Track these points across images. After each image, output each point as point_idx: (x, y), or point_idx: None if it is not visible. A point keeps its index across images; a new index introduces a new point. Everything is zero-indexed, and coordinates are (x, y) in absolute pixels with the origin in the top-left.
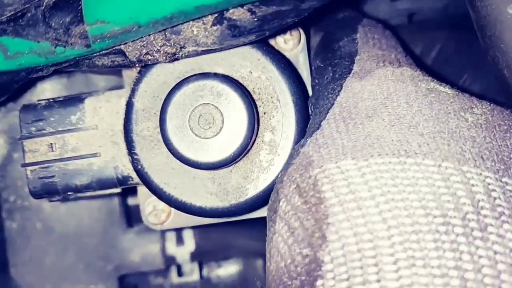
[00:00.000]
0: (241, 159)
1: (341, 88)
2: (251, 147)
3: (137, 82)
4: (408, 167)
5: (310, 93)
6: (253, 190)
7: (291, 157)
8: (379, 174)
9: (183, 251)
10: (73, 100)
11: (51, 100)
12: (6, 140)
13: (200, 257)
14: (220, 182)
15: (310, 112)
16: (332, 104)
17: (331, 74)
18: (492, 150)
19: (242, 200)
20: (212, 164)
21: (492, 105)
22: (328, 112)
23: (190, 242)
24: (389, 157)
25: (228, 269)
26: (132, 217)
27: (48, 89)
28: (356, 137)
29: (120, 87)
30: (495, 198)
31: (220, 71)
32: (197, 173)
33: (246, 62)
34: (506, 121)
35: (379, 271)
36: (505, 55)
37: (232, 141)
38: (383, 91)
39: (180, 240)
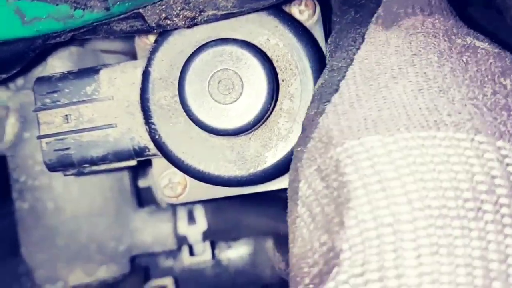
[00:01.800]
0: (260, 126)
1: (363, 40)
2: (270, 114)
3: (154, 51)
4: (438, 142)
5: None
6: (272, 158)
7: (309, 125)
8: (407, 152)
9: (195, 230)
10: (88, 72)
11: (66, 72)
12: (18, 119)
13: (212, 236)
14: (238, 150)
15: (327, 57)
16: (352, 60)
17: (351, 16)
18: None
19: (261, 168)
20: (231, 130)
21: None
22: (347, 70)
23: (201, 221)
24: (417, 130)
25: (239, 250)
26: (143, 198)
27: (58, 67)
28: (380, 104)
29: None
30: None
31: (238, 37)
32: (216, 141)
33: (264, 30)
34: None
35: (397, 257)
36: None
37: (252, 108)
38: (412, 46)
39: (191, 219)
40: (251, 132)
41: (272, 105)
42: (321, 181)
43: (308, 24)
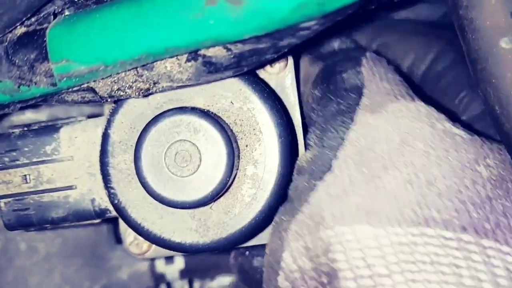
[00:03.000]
0: (221, 195)
1: (352, 121)
2: (232, 181)
3: (113, 113)
4: (428, 241)
5: (297, 118)
6: (235, 225)
7: (297, 198)
8: (398, 248)
9: (173, 269)
10: (48, 130)
11: (25, 129)
12: None
13: (190, 274)
14: (200, 217)
15: (310, 143)
16: (343, 139)
17: (335, 105)
18: (509, 216)
19: (224, 235)
20: (189, 203)
21: (502, 153)
22: (339, 149)
23: (179, 260)
24: (408, 226)
25: (221, 281)
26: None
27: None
28: (372, 193)
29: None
30: None
31: (200, 101)
32: (176, 209)
33: (227, 93)
34: None
35: None
36: (497, 90)
37: (210, 180)
38: (400, 131)
39: (169, 258)
40: (212, 202)
41: (233, 175)
42: (309, 261)
43: (279, 76)
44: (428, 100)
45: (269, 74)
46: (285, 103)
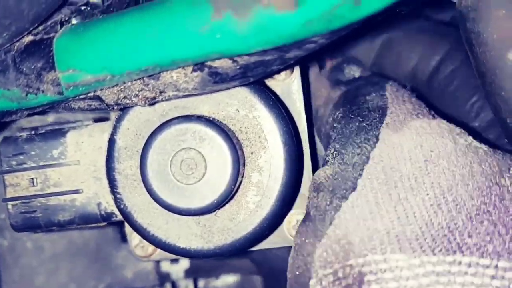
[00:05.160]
0: (226, 202)
1: (377, 140)
2: (237, 188)
3: (119, 119)
4: (464, 270)
5: (303, 125)
6: (240, 232)
7: (320, 218)
8: (435, 279)
9: (178, 268)
10: (55, 134)
11: (32, 133)
12: None
13: (194, 274)
14: (205, 223)
15: (329, 159)
16: (368, 157)
17: (357, 124)
18: None
19: (228, 242)
20: (194, 211)
21: None
22: (363, 168)
23: (184, 260)
24: (442, 254)
25: (226, 280)
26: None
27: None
28: (402, 218)
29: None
30: None
31: (206, 108)
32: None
33: (233, 100)
34: None
35: None
36: (507, 103)
37: (215, 188)
38: (424, 149)
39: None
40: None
41: (238, 182)
42: None
43: (286, 83)
44: (437, 104)
45: (275, 80)
46: (291, 110)
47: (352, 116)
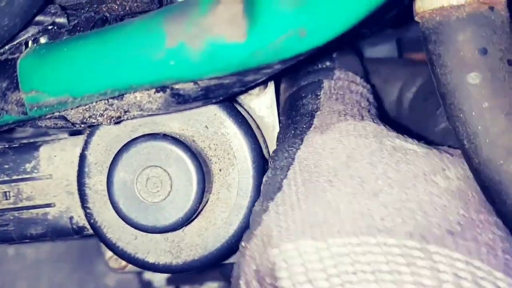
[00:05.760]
0: (193, 219)
1: (302, 142)
2: (205, 204)
3: (90, 134)
4: (369, 249)
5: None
6: (208, 248)
7: (253, 222)
8: (338, 259)
9: (160, 277)
10: (28, 148)
11: (6, 146)
12: None
13: (176, 282)
14: (173, 239)
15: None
16: (293, 159)
17: (292, 132)
18: (465, 224)
19: (196, 257)
20: (159, 229)
21: (465, 167)
22: (289, 169)
23: None
24: (349, 236)
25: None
26: None
27: None
28: (317, 207)
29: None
30: None
31: (175, 125)
32: None
33: (202, 117)
34: (480, 191)
35: None
36: (464, 126)
37: (181, 206)
38: (346, 147)
39: None
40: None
41: (205, 200)
42: (258, 283)
43: (259, 97)
44: (415, 118)
45: (249, 95)
46: (264, 124)
47: (290, 123)
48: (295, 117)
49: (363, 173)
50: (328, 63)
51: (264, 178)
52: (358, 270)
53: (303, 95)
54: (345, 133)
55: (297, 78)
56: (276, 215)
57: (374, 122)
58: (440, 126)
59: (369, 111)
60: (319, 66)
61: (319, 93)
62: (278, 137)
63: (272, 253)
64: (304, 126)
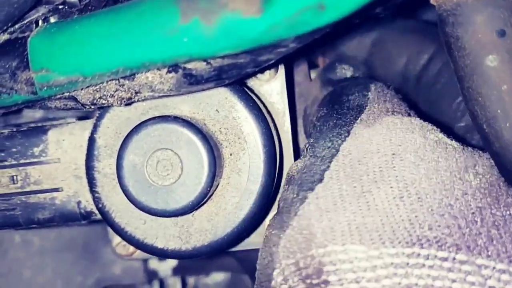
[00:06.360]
0: (203, 204)
1: (348, 134)
2: (215, 190)
3: (100, 117)
4: (422, 262)
5: (287, 126)
6: (218, 233)
7: (286, 210)
8: (392, 271)
9: (165, 266)
10: (36, 131)
11: (14, 130)
12: None
13: (182, 272)
14: (182, 224)
15: (303, 153)
16: (337, 150)
17: (334, 121)
18: (500, 226)
19: (206, 243)
20: (169, 212)
21: (491, 160)
22: (332, 161)
23: None
24: (402, 246)
25: (216, 278)
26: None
27: None
28: (364, 210)
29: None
30: None
31: (186, 108)
32: None
33: (213, 101)
34: (504, 183)
35: None
36: (483, 109)
37: (191, 190)
38: (392, 143)
39: None
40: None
41: (216, 183)
42: (301, 280)
43: (270, 83)
44: (425, 102)
45: (259, 80)
46: (275, 110)
47: (333, 114)
48: (340, 110)
49: (407, 173)
50: (363, 77)
51: (299, 164)
52: (412, 284)
53: (349, 92)
54: (392, 127)
55: (336, 81)
56: (318, 210)
57: (418, 117)
58: (461, 123)
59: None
60: (356, 75)
61: (366, 93)
62: (314, 127)
63: (317, 252)
64: (351, 118)
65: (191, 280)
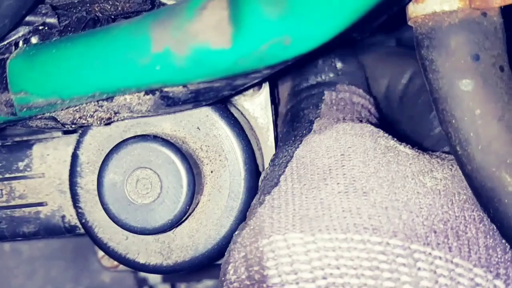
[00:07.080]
0: (184, 221)
1: (301, 142)
2: (196, 206)
3: (82, 134)
4: (354, 246)
5: (270, 141)
6: (199, 249)
7: (249, 214)
8: (324, 253)
9: (155, 274)
10: (21, 146)
11: None
12: None
13: (172, 280)
14: (164, 240)
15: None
16: (291, 157)
17: (293, 138)
18: (448, 222)
19: (187, 259)
20: (149, 230)
21: (453, 169)
22: (286, 166)
23: None
24: (336, 232)
25: (207, 284)
26: None
27: None
28: (308, 203)
29: None
30: (441, 286)
31: (167, 126)
32: None
33: (194, 118)
34: (466, 190)
35: None
36: (456, 132)
37: (171, 208)
38: (341, 145)
39: None
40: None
41: (196, 201)
42: (246, 270)
43: (254, 99)
44: (408, 118)
45: (243, 96)
46: (258, 125)
47: (290, 130)
48: (296, 124)
49: (356, 171)
50: (331, 75)
51: (263, 174)
52: (341, 264)
53: (304, 106)
54: (342, 132)
55: (299, 91)
56: (271, 208)
57: (372, 124)
58: (435, 131)
59: (368, 120)
60: (322, 78)
61: (320, 104)
62: (278, 144)
63: (261, 243)
64: (304, 131)
65: (183, 286)
